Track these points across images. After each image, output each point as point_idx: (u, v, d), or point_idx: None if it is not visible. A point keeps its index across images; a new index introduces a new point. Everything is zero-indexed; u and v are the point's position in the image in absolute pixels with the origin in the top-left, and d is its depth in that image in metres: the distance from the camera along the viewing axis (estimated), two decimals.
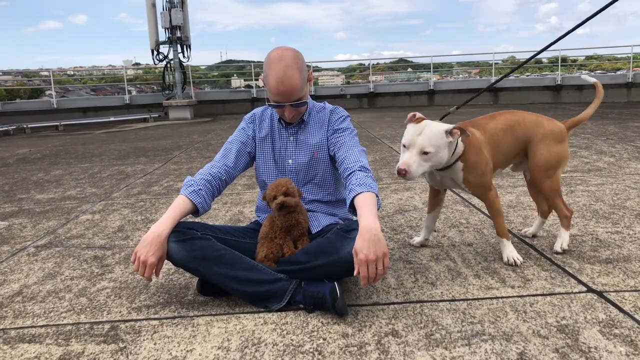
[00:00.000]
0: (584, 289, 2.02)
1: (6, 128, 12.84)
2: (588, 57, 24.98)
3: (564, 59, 18.42)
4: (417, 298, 2.00)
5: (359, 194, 1.90)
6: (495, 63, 18.41)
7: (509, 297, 1.97)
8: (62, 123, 13.83)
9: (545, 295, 1.97)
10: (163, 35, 15.01)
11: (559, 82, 16.67)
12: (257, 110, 2.40)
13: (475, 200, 3.49)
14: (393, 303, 1.97)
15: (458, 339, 1.66)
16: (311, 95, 16.63)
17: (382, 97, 17.42)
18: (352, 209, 1.94)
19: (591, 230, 2.77)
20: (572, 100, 16.15)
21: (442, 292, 2.04)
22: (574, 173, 4.31)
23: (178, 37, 14.84)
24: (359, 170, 2.03)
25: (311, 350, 1.65)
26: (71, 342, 1.81)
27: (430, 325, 1.77)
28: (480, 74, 28.89)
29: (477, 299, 1.97)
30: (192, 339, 1.77)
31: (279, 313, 1.92)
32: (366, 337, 1.71)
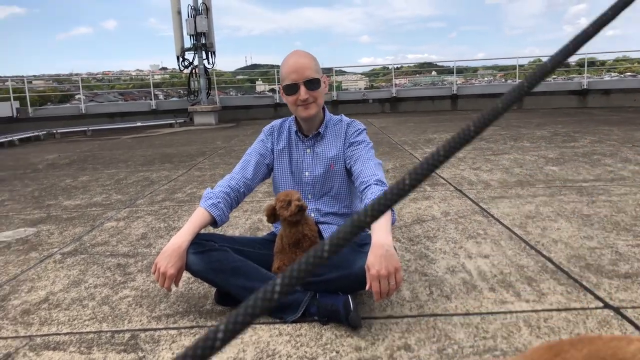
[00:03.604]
0: (601, 304, 2.01)
1: (37, 133, 13.20)
2: (617, 60, 24.49)
3: (590, 62, 18.09)
4: (431, 312, 2.02)
5: None
6: (521, 66, 18.18)
7: (523, 311, 1.97)
8: (90, 128, 14.14)
9: (560, 310, 1.97)
10: (188, 42, 15.25)
11: (585, 86, 16.39)
12: (276, 122, 2.44)
13: (494, 210, 3.48)
14: (407, 316, 1.99)
15: (470, 355, 1.67)
16: (333, 100, 16.71)
17: (405, 101, 17.36)
18: None
19: (611, 242, 2.74)
20: (598, 105, 15.86)
21: (456, 306, 2.05)
22: (596, 182, 4.25)
23: (203, 43, 15.05)
24: (375, 183, 2.06)
25: None
26: (93, 350, 1.88)
27: (443, 340, 1.78)
28: (505, 78, 28.58)
29: (491, 313, 1.98)
30: None
31: (293, 324, 1.96)
32: (379, 350, 1.74)
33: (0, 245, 3.38)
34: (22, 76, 16.99)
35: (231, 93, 23.80)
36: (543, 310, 1.98)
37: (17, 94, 15.97)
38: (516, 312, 1.97)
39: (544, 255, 2.58)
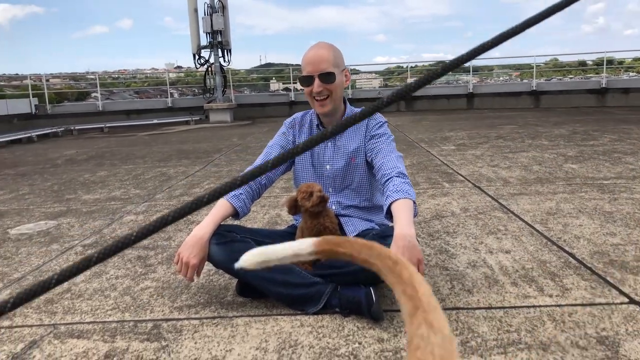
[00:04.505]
0: (626, 300, 1.98)
1: (55, 130, 13.35)
2: (636, 59, 24.14)
3: (609, 61, 17.85)
4: (453, 305, 2.00)
5: (395, 200, 1.92)
6: (537, 65, 17.98)
7: (546, 306, 1.95)
8: (107, 125, 14.27)
9: (585, 305, 1.95)
10: (204, 40, 15.32)
11: (604, 85, 16.18)
12: (297, 115, 2.44)
13: (514, 207, 3.45)
14: None
15: (494, 347, 1.66)
16: (349, 99, 16.61)
17: (420, 100, 17.27)
18: (389, 215, 1.95)
19: (635, 239, 2.70)
20: (618, 104, 15.64)
21: (478, 300, 2.04)
22: (617, 180, 4.20)
23: (219, 41, 15.10)
24: (397, 176, 2.05)
25: (347, 353, 1.68)
26: (116, 338, 1.90)
27: (466, 333, 1.77)
28: (521, 77, 28.31)
29: (514, 307, 1.96)
30: (231, 339, 1.82)
31: (315, 316, 1.96)
32: (402, 342, 1.73)
33: (22, 237, 3.43)
34: (40, 74, 17.19)
35: (245, 91, 23.87)
36: (567, 305, 1.95)
37: (34, 91, 16.17)
38: (540, 306, 1.95)
39: (566, 251, 2.55)
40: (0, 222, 3.87)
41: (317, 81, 2.15)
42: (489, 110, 14.76)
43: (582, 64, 25.32)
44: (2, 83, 19.40)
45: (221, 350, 1.75)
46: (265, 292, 2.06)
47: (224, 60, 15.64)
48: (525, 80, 20.29)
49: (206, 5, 14.96)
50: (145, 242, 3.13)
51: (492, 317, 1.88)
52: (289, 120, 2.45)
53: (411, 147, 6.96)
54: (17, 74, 25.53)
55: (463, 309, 1.97)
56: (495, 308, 1.96)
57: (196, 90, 21.91)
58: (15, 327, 2.04)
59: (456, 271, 2.36)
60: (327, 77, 2.15)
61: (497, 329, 1.79)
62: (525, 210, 3.38)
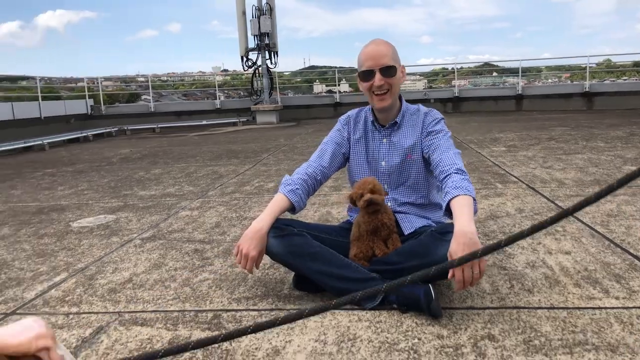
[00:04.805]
0: None
1: (110, 130, 13.83)
2: None
3: None
4: (514, 304, 1.97)
5: (455, 197, 1.90)
6: (590, 66, 17.37)
7: (613, 308, 1.89)
8: (159, 126, 14.68)
9: None
10: (252, 42, 15.54)
11: None
12: (352, 112, 2.45)
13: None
14: (488, 308, 1.94)
15: (559, 347, 1.62)
16: None
17: (467, 101, 16.98)
18: (448, 212, 1.93)
19: None
20: None
21: (539, 300, 1.99)
22: None
23: (266, 43, 15.29)
24: (455, 172, 2.02)
25: (407, 348, 1.67)
26: (179, 327, 1.95)
27: (529, 332, 1.74)
28: (571, 79, 27.43)
29: (578, 308, 1.90)
30: (290, 330, 1.85)
31: (372, 311, 1.96)
32: (462, 339, 1.71)
33: (84, 229, 3.57)
34: (94, 77, 17.85)
35: (289, 94, 24.07)
36: (635, 307, 1.88)
37: (89, 92, 16.79)
38: (605, 308, 1.89)
39: (631, 254, 2.46)
40: (63, 216, 4.04)
41: (378, 75, 2.15)
42: (538, 112, 14.36)
43: (638, 64, 24.33)
44: (58, 85, 20.21)
45: (281, 341, 1.77)
46: (321, 286, 2.08)
47: (271, 63, 15.82)
48: (576, 82, 19.63)
49: (254, 7, 15.17)
50: (200, 236, 3.20)
51: (555, 317, 1.83)
52: (343, 117, 2.46)
53: (460, 148, 6.83)
54: (71, 77, 26.58)
55: (524, 308, 1.93)
56: (558, 308, 1.91)
57: (241, 93, 22.23)
58: (83, 313, 2.13)
59: (515, 271, 2.31)
60: (388, 71, 2.15)
61: (562, 329, 1.74)
62: (583, 211, 3.27)
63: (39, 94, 13.75)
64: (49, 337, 0.85)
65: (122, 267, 2.71)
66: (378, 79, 2.15)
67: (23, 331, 0.84)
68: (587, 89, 15.93)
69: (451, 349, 1.65)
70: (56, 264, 2.82)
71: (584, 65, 16.94)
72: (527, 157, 5.77)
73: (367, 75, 2.18)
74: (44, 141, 10.86)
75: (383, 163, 2.32)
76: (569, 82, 24.18)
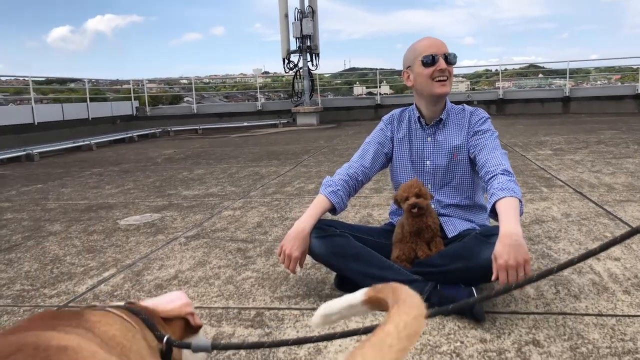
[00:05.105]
0: None
1: (154, 131, 14.20)
2: None
3: None
4: (559, 310, 1.92)
5: (501, 198, 1.87)
6: None
7: None
8: (201, 127, 14.97)
9: None
10: (294, 45, 15.68)
11: None
12: (396, 111, 2.44)
13: (622, 214, 3.25)
14: (533, 313, 1.91)
15: (607, 355, 1.58)
16: None
17: (512, 103, 16.63)
18: (493, 213, 1.91)
19: None
20: None
21: (586, 306, 1.94)
22: None
23: (308, 46, 15.40)
24: (502, 173, 2.00)
25: (449, 351, 1.66)
26: (222, 323, 2.00)
27: (575, 338, 1.70)
28: (622, 80, 26.47)
29: (628, 315, 1.85)
30: (331, 329, 1.86)
31: None
32: (505, 344, 1.69)
33: (131, 227, 3.68)
34: (140, 79, 18.37)
35: (329, 96, 24.12)
36: None
37: (134, 94, 17.28)
38: None
39: None
40: (110, 214, 4.18)
41: (441, 60, 2.15)
42: (587, 115, 13.93)
43: None
44: (105, 87, 20.90)
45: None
46: (363, 287, 2.08)
47: (312, 65, 15.91)
48: (627, 84, 18.93)
49: (296, 10, 15.30)
50: (243, 235, 3.26)
51: (603, 325, 1.79)
52: (387, 116, 2.46)
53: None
54: (117, 79, 27.43)
55: (570, 314, 1.88)
56: (607, 315, 1.86)
57: (282, 95, 22.41)
58: None
59: (560, 276, 2.26)
60: (451, 59, 2.17)
61: (610, 337, 1.70)
62: (634, 217, 3.17)
63: (87, 96, 14.26)
64: (191, 306, 1.10)
65: (168, 264, 2.79)
66: (443, 63, 2.15)
67: (175, 299, 1.08)
68: (639, 91, 15.35)
69: (494, 354, 1.63)
70: (105, 260, 2.92)
71: (635, 67, 16.34)
72: (574, 161, 5.61)
73: (430, 60, 2.16)
74: (92, 141, 11.23)
75: (428, 162, 2.31)
76: (619, 84, 23.34)
